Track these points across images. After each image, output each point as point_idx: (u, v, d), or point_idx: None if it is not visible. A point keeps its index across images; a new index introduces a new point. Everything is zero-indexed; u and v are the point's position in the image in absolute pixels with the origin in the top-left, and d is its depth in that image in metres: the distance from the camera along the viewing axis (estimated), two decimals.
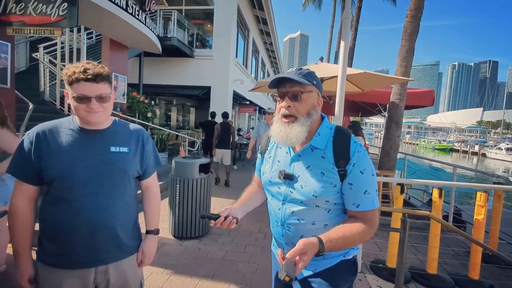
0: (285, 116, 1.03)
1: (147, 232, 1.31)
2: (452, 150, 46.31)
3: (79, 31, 6.57)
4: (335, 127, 1.10)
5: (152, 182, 1.36)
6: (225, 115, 6.16)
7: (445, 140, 57.12)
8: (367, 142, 6.24)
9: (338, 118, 2.80)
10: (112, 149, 1.15)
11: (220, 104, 10.46)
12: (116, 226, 1.13)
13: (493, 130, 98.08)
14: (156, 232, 1.32)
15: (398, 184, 2.63)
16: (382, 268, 2.66)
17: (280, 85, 1.05)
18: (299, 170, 1.06)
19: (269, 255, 1.34)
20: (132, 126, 1.27)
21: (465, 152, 43.61)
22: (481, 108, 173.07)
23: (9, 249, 2.33)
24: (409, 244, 3.24)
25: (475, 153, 41.38)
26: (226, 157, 5.94)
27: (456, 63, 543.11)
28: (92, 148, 1.11)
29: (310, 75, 1.03)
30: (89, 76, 1.01)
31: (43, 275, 1.09)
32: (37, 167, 1.05)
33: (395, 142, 4.50)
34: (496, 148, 38.42)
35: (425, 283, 2.49)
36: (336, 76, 2.92)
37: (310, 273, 1.11)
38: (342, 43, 2.75)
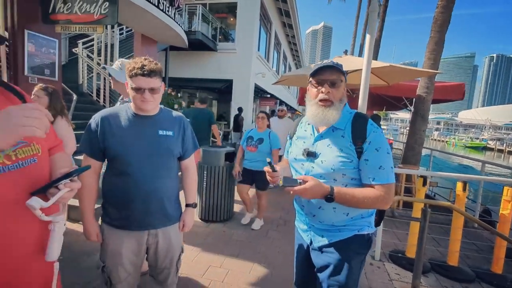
0: (323, 100, 1.17)
1: (187, 205, 1.51)
2: (485, 148, 43.42)
3: (112, 27, 6.97)
4: (354, 112, 1.26)
5: (190, 163, 1.54)
6: (239, 109, 9.63)
7: (478, 138, 53.64)
8: (391, 138, 6.13)
9: (361, 111, 2.85)
10: (160, 132, 1.34)
11: (241, 97, 10.64)
12: (163, 197, 1.33)
13: None
14: (194, 205, 1.52)
15: (421, 176, 2.65)
16: (401, 257, 2.72)
17: (319, 73, 1.19)
18: (321, 148, 1.22)
19: (290, 240, 1.49)
20: (175, 113, 1.46)
21: (500, 151, 40.76)
22: None
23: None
24: (430, 236, 3.26)
25: (511, 152, 38.58)
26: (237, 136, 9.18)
27: (495, 55, 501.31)
28: (144, 131, 1.31)
29: (342, 67, 1.20)
30: (145, 72, 1.21)
31: (107, 235, 1.31)
32: (102, 146, 1.27)
33: (421, 136, 4.43)
34: None
35: (445, 274, 2.52)
36: (360, 70, 2.95)
37: (325, 242, 1.26)
38: (368, 36, 2.78)
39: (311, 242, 1.32)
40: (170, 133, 1.37)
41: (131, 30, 7.29)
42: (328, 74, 1.17)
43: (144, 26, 5.42)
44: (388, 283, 2.40)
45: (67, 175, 0.77)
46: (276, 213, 3.92)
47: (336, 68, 1.17)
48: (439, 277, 2.53)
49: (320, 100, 1.18)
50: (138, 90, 1.22)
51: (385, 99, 6.81)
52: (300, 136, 1.34)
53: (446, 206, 2.10)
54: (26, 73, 3.59)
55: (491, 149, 42.41)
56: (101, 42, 6.66)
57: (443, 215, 3.76)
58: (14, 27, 3.44)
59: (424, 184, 2.60)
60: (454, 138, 54.19)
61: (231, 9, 11.41)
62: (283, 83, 5.10)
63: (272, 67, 15.51)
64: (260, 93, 15.06)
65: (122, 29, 9.02)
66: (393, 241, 3.17)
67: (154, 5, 4.61)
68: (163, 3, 4.87)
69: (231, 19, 11.64)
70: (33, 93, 2.36)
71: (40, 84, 2.42)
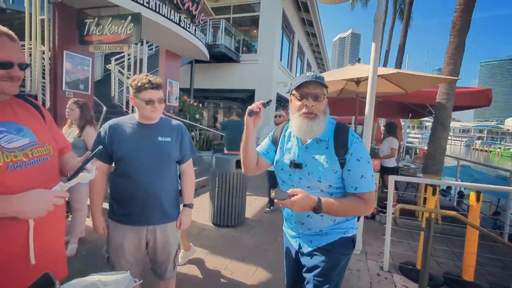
0: (307, 113, 1.19)
1: (184, 205, 1.65)
2: None
3: (142, 44, 7.58)
4: (336, 122, 1.29)
5: (188, 167, 1.69)
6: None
7: None
8: (425, 148, 5.83)
9: (368, 118, 2.85)
10: (159, 138, 1.51)
11: None
12: (162, 196, 1.48)
13: None
14: (191, 206, 1.66)
15: (430, 185, 2.57)
16: (412, 269, 2.62)
17: (303, 86, 1.20)
18: (307, 159, 1.25)
19: None
20: (174, 121, 1.63)
21: None
22: None
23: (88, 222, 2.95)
24: (450, 250, 3.09)
25: None
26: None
27: None
28: (146, 137, 1.49)
29: (323, 80, 1.22)
30: (154, 85, 1.40)
31: (112, 228, 1.50)
32: (109, 150, 1.46)
33: (441, 144, 4.23)
34: None
35: None
36: (379, 76, 2.93)
37: (314, 247, 1.31)
38: (373, 45, 2.80)
39: (299, 247, 1.38)
40: (168, 139, 1.53)
41: None
42: (312, 88, 1.19)
43: (167, 42, 5.85)
44: None
45: (89, 159, 0.95)
46: None
47: (319, 83, 1.19)
48: None
49: (304, 113, 1.19)
50: (149, 101, 1.41)
51: (410, 107, 6.62)
52: (286, 148, 1.35)
53: (451, 215, 2.02)
54: (63, 88, 4.08)
55: None
56: (131, 58, 7.25)
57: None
58: (55, 48, 3.95)
59: (434, 193, 2.51)
60: (500, 148, 49.62)
61: (254, 21, 11.79)
62: None
63: (295, 76, 15.60)
64: (282, 102, 15.18)
65: (151, 45, 9.73)
66: (407, 252, 3.05)
67: (176, 22, 4.99)
68: (184, 21, 5.25)
69: (254, 31, 12.01)
70: (67, 106, 2.71)
71: (73, 99, 2.76)
